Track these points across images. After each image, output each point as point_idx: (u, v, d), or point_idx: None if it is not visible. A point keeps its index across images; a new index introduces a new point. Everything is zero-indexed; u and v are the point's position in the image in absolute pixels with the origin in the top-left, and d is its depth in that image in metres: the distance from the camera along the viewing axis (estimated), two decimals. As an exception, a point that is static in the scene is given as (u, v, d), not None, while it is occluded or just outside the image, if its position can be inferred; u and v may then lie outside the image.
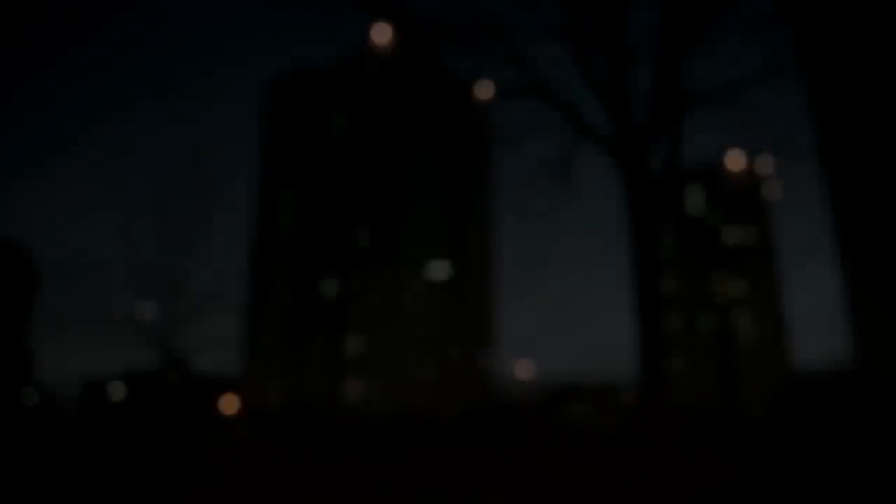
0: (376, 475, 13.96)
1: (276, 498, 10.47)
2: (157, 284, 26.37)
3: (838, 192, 52.17)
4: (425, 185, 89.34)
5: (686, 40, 8.15)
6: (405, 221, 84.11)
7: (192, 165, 28.07)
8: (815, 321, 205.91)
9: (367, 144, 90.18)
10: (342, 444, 22.53)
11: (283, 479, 13.68)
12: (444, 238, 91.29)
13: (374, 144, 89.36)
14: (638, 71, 8.19)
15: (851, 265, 51.32)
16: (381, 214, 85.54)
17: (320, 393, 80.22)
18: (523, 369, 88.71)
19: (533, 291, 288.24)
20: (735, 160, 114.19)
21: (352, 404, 75.68)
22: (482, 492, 10.26)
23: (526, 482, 11.88)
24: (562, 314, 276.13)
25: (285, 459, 19.07)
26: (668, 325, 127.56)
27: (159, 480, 12.82)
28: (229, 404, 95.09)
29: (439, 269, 74.05)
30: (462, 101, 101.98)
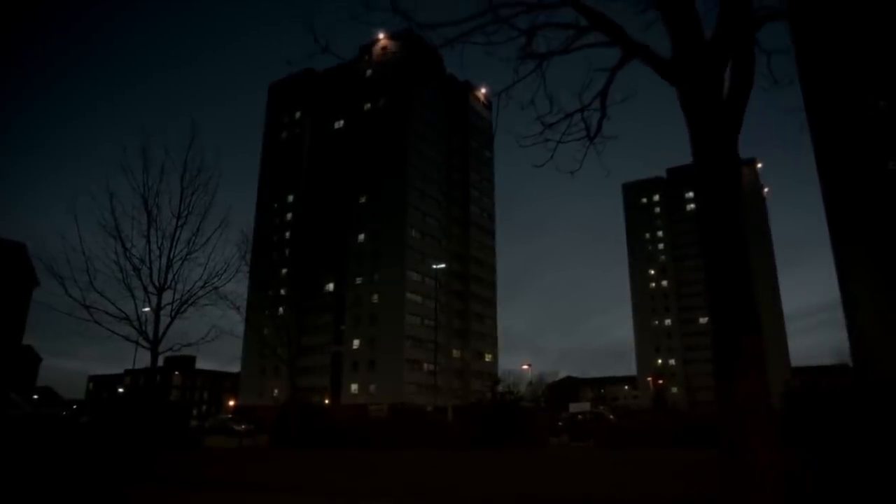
0: (374, 472, 13.77)
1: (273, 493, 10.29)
2: (150, 279, 25.76)
3: (836, 187, 51.86)
4: (425, 186, 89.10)
5: None
6: (405, 222, 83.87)
7: (186, 149, 26.81)
8: (813, 319, 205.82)
9: (367, 146, 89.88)
10: (341, 440, 22.36)
11: (279, 471, 13.50)
12: (444, 238, 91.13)
13: (373, 146, 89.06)
14: None
15: (850, 261, 50.99)
16: (381, 214, 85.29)
17: (320, 391, 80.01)
18: (524, 367, 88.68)
19: (533, 289, 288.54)
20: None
21: (352, 403, 75.53)
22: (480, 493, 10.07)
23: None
24: (562, 312, 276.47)
25: (283, 454, 18.95)
26: (664, 324, 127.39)
27: (158, 479, 12.65)
28: (230, 401, 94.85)
29: (439, 269, 73.81)
30: (462, 102, 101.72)
